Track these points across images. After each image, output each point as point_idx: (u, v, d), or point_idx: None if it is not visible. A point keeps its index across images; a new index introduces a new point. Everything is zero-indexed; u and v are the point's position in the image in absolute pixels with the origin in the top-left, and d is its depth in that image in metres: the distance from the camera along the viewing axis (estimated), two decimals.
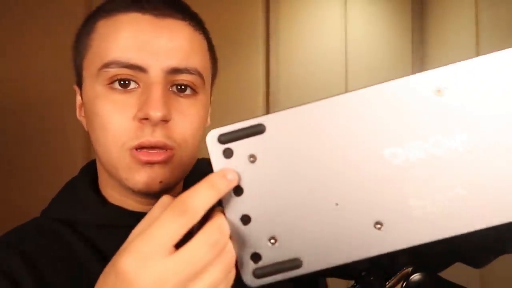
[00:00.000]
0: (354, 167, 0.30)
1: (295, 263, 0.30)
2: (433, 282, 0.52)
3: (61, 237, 0.53)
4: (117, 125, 0.49)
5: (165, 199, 0.34)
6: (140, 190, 0.50)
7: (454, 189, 0.29)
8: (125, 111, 0.49)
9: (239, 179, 0.31)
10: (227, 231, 0.30)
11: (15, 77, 1.50)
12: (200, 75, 0.52)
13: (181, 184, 0.60)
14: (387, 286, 0.53)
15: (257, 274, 0.31)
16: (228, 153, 0.31)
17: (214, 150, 0.31)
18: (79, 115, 0.57)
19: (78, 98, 0.57)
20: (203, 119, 0.53)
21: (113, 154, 0.50)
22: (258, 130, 0.31)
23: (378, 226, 0.30)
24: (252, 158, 0.31)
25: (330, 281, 0.68)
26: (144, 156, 0.49)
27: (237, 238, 0.31)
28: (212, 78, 0.58)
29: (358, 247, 0.30)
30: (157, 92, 0.48)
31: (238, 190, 0.31)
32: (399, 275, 0.53)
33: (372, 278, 0.55)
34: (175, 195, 0.51)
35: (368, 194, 0.30)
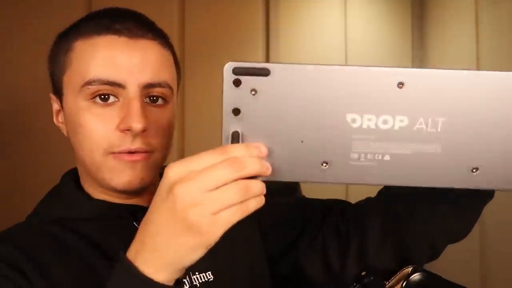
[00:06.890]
0: (323, 118, 0.39)
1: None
2: (433, 282, 0.52)
3: (53, 234, 0.57)
4: (100, 134, 0.56)
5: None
6: (121, 189, 0.58)
7: (384, 155, 0.40)
8: (107, 122, 0.56)
9: (240, 103, 0.40)
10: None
11: (16, 77, 1.50)
12: (170, 87, 0.60)
13: (157, 181, 0.65)
14: (387, 286, 0.53)
15: None
16: (237, 83, 0.39)
17: (227, 78, 0.39)
18: (57, 121, 0.64)
19: (55, 105, 0.63)
20: (173, 124, 0.63)
21: (96, 158, 0.57)
22: (264, 72, 0.38)
23: (325, 164, 0.40)
24: (254, 92, 0.39)
25: None
26: (127, 157, 0.57)
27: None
28: (177, 87, 0.66)
29: (305, 174, 0.41)
30: (136, 106, 0.56)
31: (236, 112, 0.40)
32: (399, 275, 0.53)
33: (372, 278, 0.55)
34: (152, 193, 0.53)
35: (325, 139, 0.40)
